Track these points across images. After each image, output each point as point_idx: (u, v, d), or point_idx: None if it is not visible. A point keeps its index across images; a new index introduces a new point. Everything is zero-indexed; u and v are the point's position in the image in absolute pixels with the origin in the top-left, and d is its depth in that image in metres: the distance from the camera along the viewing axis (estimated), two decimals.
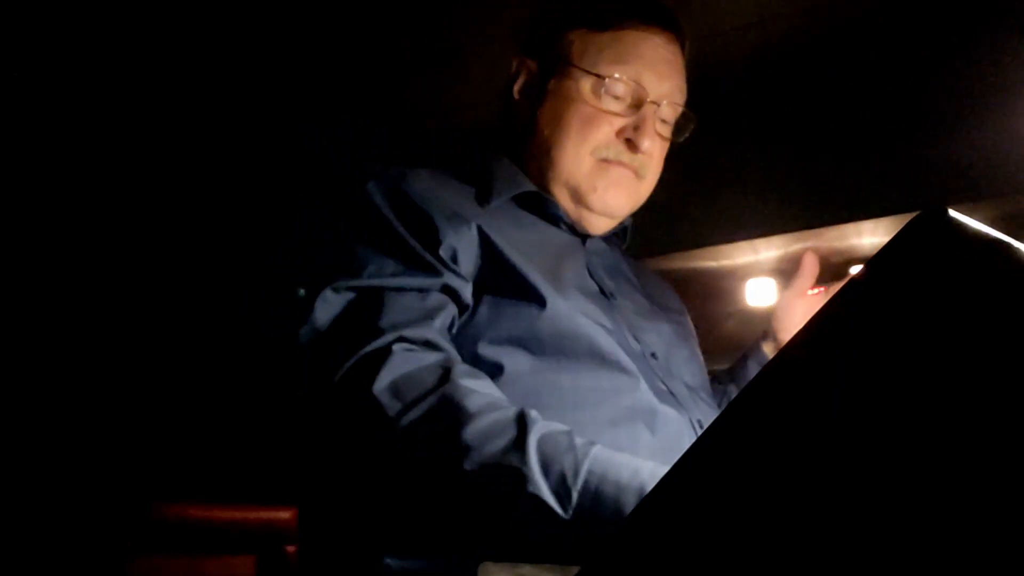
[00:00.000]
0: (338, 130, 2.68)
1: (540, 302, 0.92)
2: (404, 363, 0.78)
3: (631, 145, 1.05)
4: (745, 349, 1.32)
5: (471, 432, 0.71)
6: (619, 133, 1.05)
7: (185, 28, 2.34)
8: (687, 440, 0.92)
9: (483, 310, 0.93)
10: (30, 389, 2.52)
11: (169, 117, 2.63)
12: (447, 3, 2.31)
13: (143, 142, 2.68)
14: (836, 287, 1.24)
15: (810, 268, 1.22)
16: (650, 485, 0.66)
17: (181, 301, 2.88)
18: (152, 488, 2.08)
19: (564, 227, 1.09)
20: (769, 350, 1.28)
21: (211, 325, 2.60)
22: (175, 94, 2.56)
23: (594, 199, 1.06)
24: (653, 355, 1.02)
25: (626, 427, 0.88)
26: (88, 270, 2.75)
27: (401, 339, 0.81)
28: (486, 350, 0.90)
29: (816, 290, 1.28)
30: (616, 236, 1.21)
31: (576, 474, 0.68)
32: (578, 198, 1.07)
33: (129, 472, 2.47)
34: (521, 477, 0.67)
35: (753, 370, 1.28)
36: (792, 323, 1.24)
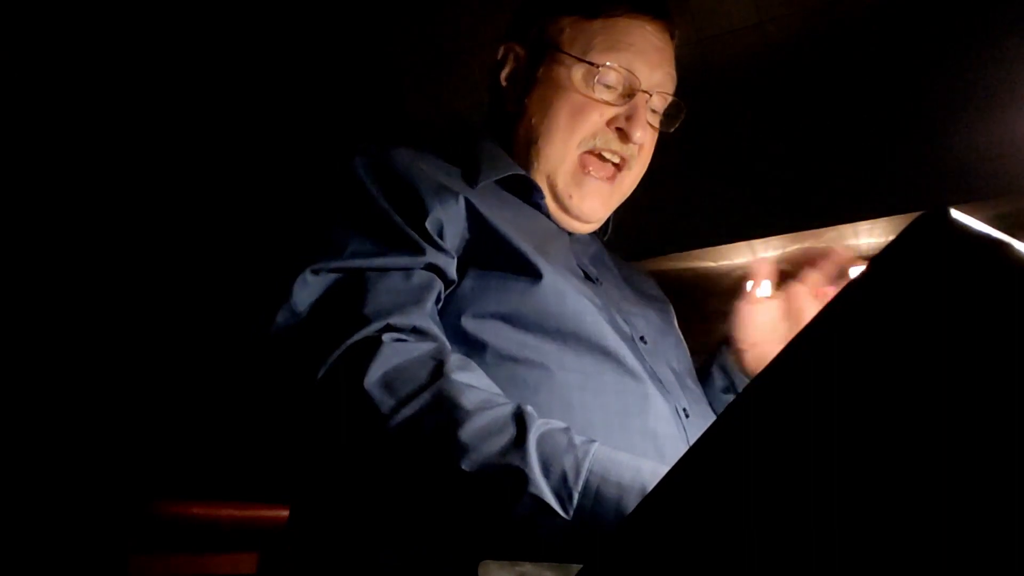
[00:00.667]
0: (338, 131, 2.68)
1: (534, 275, 0.90)
2: (394, 355, 0.75)
3: (622, 135, 1.03)
4: (709, 353, 1.29)
5: (469, 431, 0.69)
6: (610, 123, 1.03)
7: (185, 29, 2.33)
8: (673, 427, 0.91)
9: (467, 284, 0.91)
10: (32, 389, 2.51)
11: (170, 118, 2.62)
12: (447, 5, 2.31)
13: (144, 144, 2.67)
14: (795, 292, 1.19)
15: (763, 274, 1.18)
16: (651, 485, 0.65)
17: (183, 301, 2.87)
18: (154, 486, 2.08)
19: (547, 214, 1.08)
20: (730, 356, 1.23)
21: (212, 324, 2.60)
22: (176, 96, 2.56)
23: (571, 205, 1.05)
24: (642, 339, 1.00)
25: (616, 410, 0.87)
26: (88, 270, 2.75)
27: (388, 327, 0.78)
28: (469, 325, 0.87)
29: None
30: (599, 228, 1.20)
31: (577, 474, 0.67)
32: (556, 197, 1.06)
33: (131, 471, 2.47)
34: (522, 477, 0.66)
35: (717, 374, 1.24)
36: (749, 328, 1.19)
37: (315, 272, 0.83)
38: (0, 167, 2.46)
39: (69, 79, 2.38)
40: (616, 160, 1.06)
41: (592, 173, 1.04)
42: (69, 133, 2.54)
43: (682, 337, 1.17)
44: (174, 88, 2.53)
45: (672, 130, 1.11)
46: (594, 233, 1.19)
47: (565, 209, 1.06)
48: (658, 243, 2.99)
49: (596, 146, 1.04)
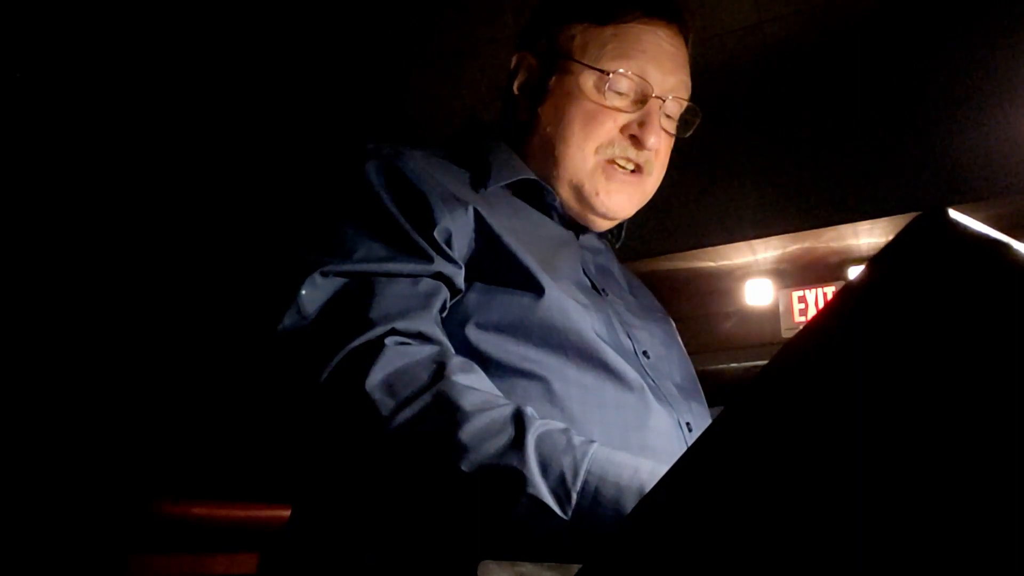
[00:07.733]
0: (340, 128, 2.68)
1: (537, 290, 0.90)
2: (397, 358, 0.76)
3: (636, 142, 1.02)
4: None
5: (468, 432, 0.69)
6: (623, 130, 1.03)
7: (187, 29, 2.34)
8: (675, 440, 0.90)
9: (472, 295, 0.91)
10: (33, 389, 2.51)
11: (172, 119, 2.62)
12: (448, 5, 2.31)
13: (146, 143, 2.67)
14: None
15: None
16: (650, 485, 0.65)
17: (184, 301, 2.88)
18: (155, 487, 2.08)
19: (558, 219, 1.07)
20: None
21: (213, 324, 2.60)
22: (178, 97, 2.56)
23: (597, 203, 1.04)
24: (645, 353, 1.00)
25: (616, 424, 0.87)
26: (90, 270, 2.75)
27: (393, 331, 0.79)
28: (472, 335, 0.87)
29: None
30: (609, 232, 1.19)
31: (575, 475, 0.67)
32: (581, 198, 1.06)
33: (132, 471, 2.47)
34: (520, 478, 0.66)
35: None
36: None
37: (324, 275, 0.83)
38: (0, 167, 2.46)
39: (70, 79, 2.38)
40: (632, 168, 1.06)
41: (618, 169, 1.04)
42: (71, 133, 2.54)
43: (685, 352, 1.17)
44: (175, 87, 2.53)
45: (688, 135, 1.11)
46: (605, 239, 1.18)
47: (591, 208, 1.05)
48: (658, 243, 3.00)
49: (614, 155, 1.03)
